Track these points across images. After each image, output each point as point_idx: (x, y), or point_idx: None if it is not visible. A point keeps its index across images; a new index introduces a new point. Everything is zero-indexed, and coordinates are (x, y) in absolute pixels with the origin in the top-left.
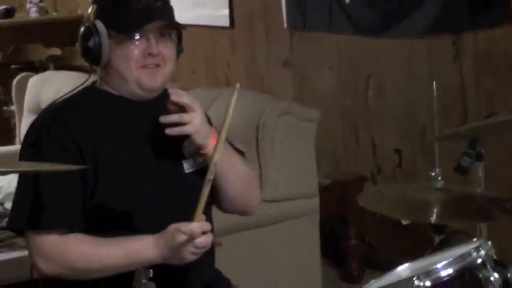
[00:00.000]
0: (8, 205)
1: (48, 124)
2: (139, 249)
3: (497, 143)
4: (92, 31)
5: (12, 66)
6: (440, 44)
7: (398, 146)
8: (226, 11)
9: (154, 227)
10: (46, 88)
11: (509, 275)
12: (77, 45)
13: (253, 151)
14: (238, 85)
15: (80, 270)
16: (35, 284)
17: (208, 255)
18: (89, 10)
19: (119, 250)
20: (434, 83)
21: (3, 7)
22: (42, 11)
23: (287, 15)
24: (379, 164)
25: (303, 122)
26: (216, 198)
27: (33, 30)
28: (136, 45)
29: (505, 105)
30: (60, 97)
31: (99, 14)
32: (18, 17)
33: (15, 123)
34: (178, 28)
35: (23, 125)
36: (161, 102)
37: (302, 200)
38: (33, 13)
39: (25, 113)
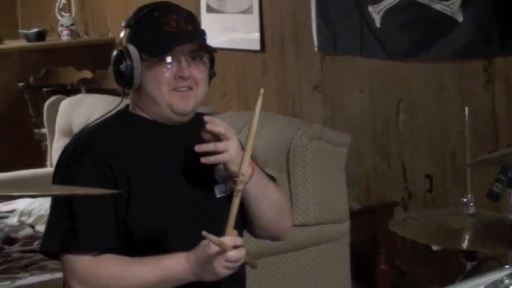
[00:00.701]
0: (39, 227)
1: (81, 148)
2: (172, 266)
3: None
4: (124, 55)
5: (44, 89)
6: (471, 68)
7: (429, 171)
8: (257, 35)
9: (186, 250)
10: (78, 111)
11: None
12: (110, 68)
13: (284, 176)
14: (262, 90)
15: None
16: None
17: (240, 279)
18: (122, 34)
19: (152, 268)
20: (466, 108)
21: (35, 30)
22: (73, 34)
23: (318, 39)
24: (409, 189)
25: (334, 146)
26: (248, 224)
27: (64, 53)
28: (168, 69)
29: None
30: (93, 121)
31: (131, 38)
32: (50, 40)
33: (46, 146)
34: (210, 51)
35: (55, 148)
36: (194, 125)
37: (333, 225)
38: (64, 36)
39: (56, 136)
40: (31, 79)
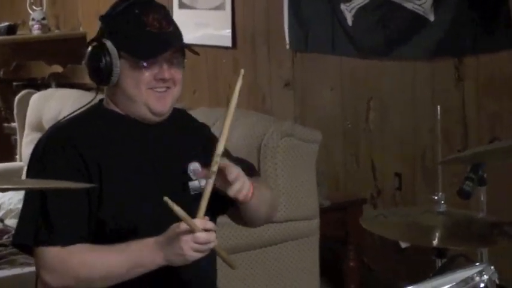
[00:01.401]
0: (8, 221)
1: (55, 142)
2: (141, 249)
3: (500, 168)
4: (101, 50)
5: (14, 83)
6: (443, 67)
7: (398, 169)
8: (229, 31)
9: None
10: (48, 105)
11: None
12: (83, 63)
13: None
14: (242, 71)
15: (84, 279)
16: None
17: (210, 274)
18: (98, 28)
19: (121, 254)
20: (438, 107)
21: (5, 24)
22: (44, 28)
23: (289, 36)
24: (379, 186)
25: (305, 143)
26: (244, 223)
27: (35, 47)
28: (149, 70)
29: (507, 130)
30: (67, 115)
31: (108, 34)
32: (21, 34)
33: (16, 140)
34: (195, 54)
35: (25, 142)
36: (168, 122)
37: (303, 222)
38: (35, 30)
39: (26, 130)
40: (1, 73)
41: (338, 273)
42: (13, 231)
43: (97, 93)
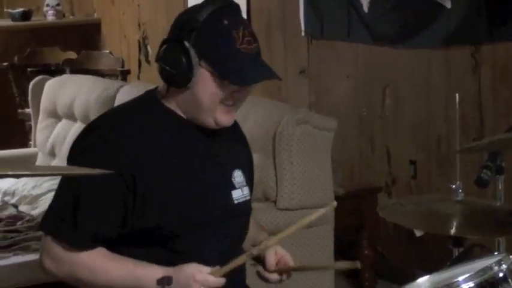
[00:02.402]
0: (22, 207)
1: (106, 133)
2: (145, 276)
3: None
4: (182, 54)
5: (29, 69)
6: (459, 55)
7: (413, 157)
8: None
9: (195, 250)
10: (63, 91)
11: None
12: (158, 61)
13: (270, 160)
14: (335, 203)
15: (84, 283)
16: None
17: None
18: (179, 27)
19: (127, 273)
20: (457, 95)
21: (20, 10)
22: (59, 14)
23: (305, 24)
24: (393, 174)
25: (321, 131)
26: None
27: (49, 33)
28: (230, 87)
29: None
30: (123, 104)
31: (193, 40)
32: (35, 20)
33: (30, 126)
34: (279, 80)
35: (39, 128)
36: (220, 130)
37: (317, 209)
38: (50, 16)
39: (41, 116)
40: (15, 59)
41: (352, 261)
42: (27, 217)
43: (155, 90)
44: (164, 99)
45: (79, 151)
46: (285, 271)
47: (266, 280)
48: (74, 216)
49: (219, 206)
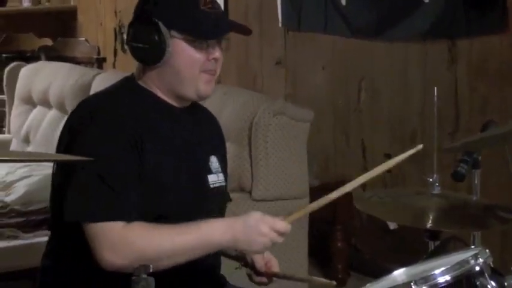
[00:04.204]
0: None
1: (102, 112)
2: (212, 229)
3: (493, 151)
4: (152, 30)
5: (4, 55)
6: (435, 49)
7: (388, 150)
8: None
9: None
10: (38, 78)
11: (506, 284)
12: (126, 42)
13: (246, 150)
14: (421, 146)
15: (149, 259)
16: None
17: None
18: (141, 5)
19: (192, 232)
20: (435, 88)
21: None
22: (35, 0)
23: (282, 15)
24: (368, 167)
25: (297, 122)
26: None
27: (25, 19)
28: (203, 50)
29: (499, 112)
30: (101, 90)
31: (155, 13)
32: (11, 6)
33: (4, 112)
34: (248, 33)
35: (13, 114)
36: (192, 108)
37: (292, 201)
38: (25, 2)
39: (16, 103)
40: None
41: (326, 253)
42: (0, 204)
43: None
44: (141, 81)
45: (80, 132)
46: (271, 276)
47: (258, 283)
48: (107, 194)
49: (196, 188)
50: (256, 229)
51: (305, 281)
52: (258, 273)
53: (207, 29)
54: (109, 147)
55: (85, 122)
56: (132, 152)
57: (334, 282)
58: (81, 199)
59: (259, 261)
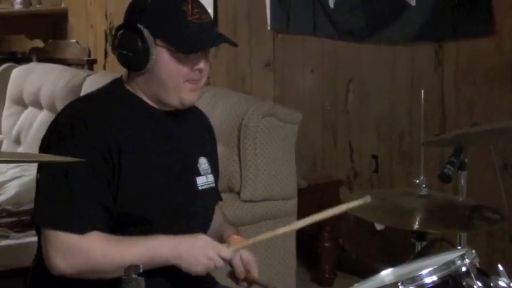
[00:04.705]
0: None
1: (83, 120)
2: (161, 245)
3: (479, 154)
4: (136, 37)
5: None
6: (423, 52)
7: (375, 152)
8: (210, 11)
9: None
10: (29, 79)
11: (491, 284)
12: (113, 47)
13: (235, 151)
14: (369, 197)
15: (101, 270)
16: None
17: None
18: (130, 13)
19: (142, 246)
20: (422, 91)
21: None
22: (26, 2)
23: (271, 18)
24: (355, 168)
25: (285, 123)
26: None
27: (16, 21)
28: (188, 61)
29: (485, 114)
30: (88, 93)
31: (142, 21)
32: (2, 8)
33: None
34: (235, 46)
35: (5, 115)
36: (182, 116)
37: (280, 202)
38: (17, 4)
39: (7, 104)
40: None
41: (314, 254)
42: None
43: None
44: (128, 85)
45: (56, 139)
46: (251, 281)
47: (236, 283)
48: (71, 203)
49: (184, 191)
50: (204, 251)
51: None
52: (239, 278)
53: (190, 42)
54: (81, 157)
55: (63, 131)
56: (106, 164)
57: None
58: (45, 204)
59: (237, 264)
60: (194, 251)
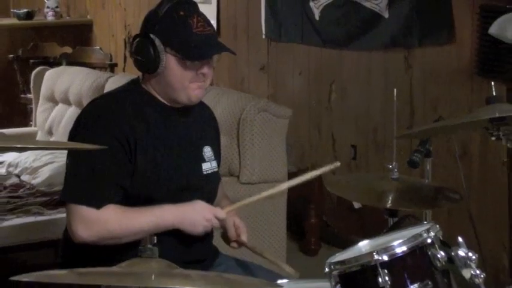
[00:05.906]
0: (24, 177)
1: (105, 113)
2: (165, 213)
3: (442, 143)
4: (149, 45)
5: (31, 61)
6: (394, 57)
7: (354, 142)
8: (214, 22)
9: None
10: (60, 80)
11: (453, 253)
12: (131, 53)
13: (235, 141)
14: (338, 163)
15: (117, 236)
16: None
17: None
18: (144, 23)
19: (152, 214)
20: (394, 90)
21: (24, 10)
22: (57, 15)
23: (266, 28)
24: (337, 156)
25: (278, 118)
26: None
27: (49, 31)
28: (193, 67)
29: (447, 110)
30: (109, 92)
31: (154, 31)
32: (37, 20)
33: (31, 109)
34: (233, 54)
35: (39, 110)
36: (191, 110)
37: (273, 183)
38: (49, 16)
39: (41, 101)
40: (20, 52)
41: (301, 228)
42: (28, 186)
43: (139, 78)
44: (144, 85)
45: (82, 130)
46: (240, 243)
47: (228, 243)
48: (92, 182)
49: (191, 175)
50: (202, 214)
51: (271, 261)
52: (231, 240)
53: (194, 51)
54: (102, 145)
55: (88, 122)
56: (123, 151)
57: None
58: (71, 184)
59: (230, 227)
60: (194, 214)
